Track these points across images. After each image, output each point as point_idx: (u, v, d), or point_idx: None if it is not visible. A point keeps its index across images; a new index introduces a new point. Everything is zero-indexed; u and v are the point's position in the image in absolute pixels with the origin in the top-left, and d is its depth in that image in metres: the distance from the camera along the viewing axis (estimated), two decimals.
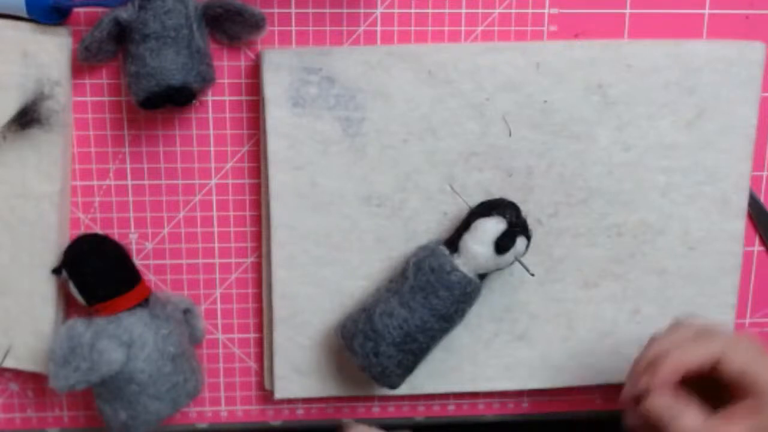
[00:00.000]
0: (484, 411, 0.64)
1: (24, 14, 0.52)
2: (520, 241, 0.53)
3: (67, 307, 0.58)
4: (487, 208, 0.54)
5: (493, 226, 0.53)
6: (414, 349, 0.54)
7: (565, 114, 0.56)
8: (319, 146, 0.56)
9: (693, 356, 0.48)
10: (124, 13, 0.51)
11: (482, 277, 0.54)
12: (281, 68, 0.54)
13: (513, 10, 0.56)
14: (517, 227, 0.53)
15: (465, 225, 0.54)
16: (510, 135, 0.56)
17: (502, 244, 0.53)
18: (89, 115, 0.56)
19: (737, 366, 0.47)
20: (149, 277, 0.59)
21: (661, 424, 0.48)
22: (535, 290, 0.59)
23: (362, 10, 0.56)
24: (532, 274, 0.56)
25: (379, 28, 0.56)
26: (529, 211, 0.57)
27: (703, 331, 0.50)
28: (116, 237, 0.57)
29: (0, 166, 0.54)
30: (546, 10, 0.56)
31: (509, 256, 0.53)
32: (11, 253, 0.56)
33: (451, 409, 0.64)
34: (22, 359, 0.58)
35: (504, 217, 0.53)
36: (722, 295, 0.60)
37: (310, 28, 0.56)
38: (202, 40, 0.53)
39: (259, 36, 0.54)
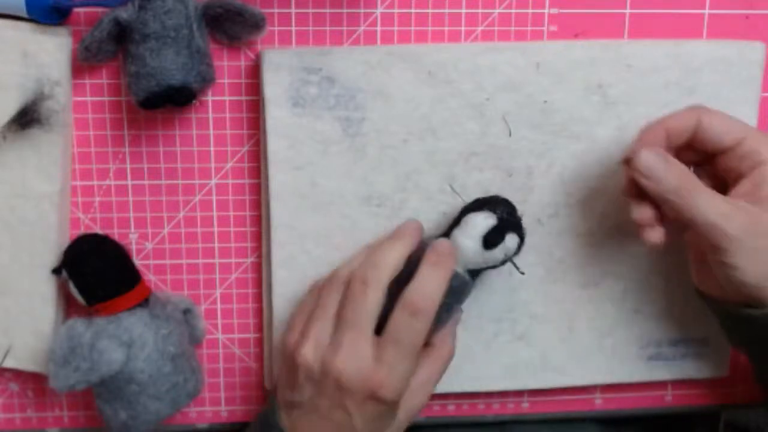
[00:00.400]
0: (484, 411, 0.64)
1: (24, 14, 0.52)
2: (511, 238, 0.53)
3: (67, 307, 0.58)
4: (480, 204, 0.54)
5: (482, 221, 0.53)
6: None
7: (565, 114, 0.56)
8: (319, 146, 0.56)
9: (674, 116, 0.51)
10: (124, 13, 0.51)
11: (475, 274, 0.54)
12: (281, 68, 0.54)
13: (513, 10, 0.56)
14: (507, 223, 0.53)
15: (457, 220, 0.54)
16: (510, 135, 0.56)
17: (490, 239, 0.52)
18: (89, 115, 0.56)
19: (716, 124, 0.50)
20: (149, 277, 0.59)
21: (652, 189, 0.49)
22: (535, 290, 0.59)
23: (362, 10, 0.56)
24: (522, 273, 0.56)
25: (379, 28, 0.56)
26: (529, 211, 0.57)
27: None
28: (116, 237, 0.57)
29: (0, 166, 0.54)
30: (546, 10, 0.56)
31: (498, 252, 0.53)
32: (11, 253, 0.56)
33: (451, 409, 0.64)
34: (22, 359, 0.58)
35: (495, 212, 0.53)
36: None
37: (310, 28, 0.56)
38: (202, 40, 0.53)
39: (259, 36, 0.54)
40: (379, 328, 0.51)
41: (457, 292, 0.54)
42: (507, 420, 0.64)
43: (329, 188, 0.56)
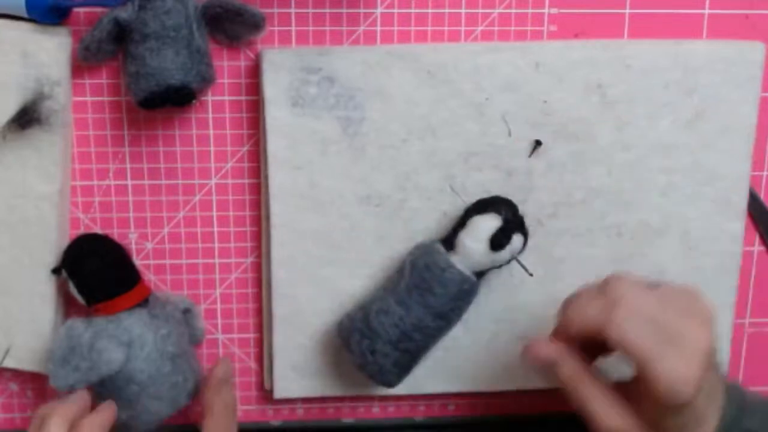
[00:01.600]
0: (483, 411, 0.64)
1: (24, 14, 0.52)
2: (517, 239, 0.53)
3: (67, 307, 0.58)
4: (484, 206, 0.54)
5: (488, 223, 0.53)
6: (410, 348, 0.54)
7: (565, 114, 0.56)
8: (318, 146, 0.56)
9: (582, 320, 0.48)
10: (124, 13, 0.51)
11: (480, 275, 0.55)
12: (281, 68, 0.54)
13: (513, 10, 0.56)
14: (512, 224, 0.53)
15: (461, 223, 0.54)
16: (509, 135, 0.56)
17: (497, 241, 0.53)
18: (89, 115, 0.56)
19: (615, 336, 0.46)
20: (149, 277, 0.59)
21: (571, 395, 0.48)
22: (535, 290, 0.59)
23: (362, 10, 0.56)
24: (531, 274, 0.56)
25: (379, 28, 0.56)
26: (529, 211, 0.57)
27: (603, 289, 0.48)
28: (116, 237, 0.57)
29: (0, 166, 0.54)
30: (546, 10, 0.56)
31: (505, 253, 0.53)
32: (11, 253, 0.56)
33: (451, 409, 0.64)
34: (22, 359, 0.58)
35: (499, 214, 0.54)
36: (722, 295, 0.60)
37: (310, 28, 0.56)
38: (202, 40, 0.53)
39: (259, 36, 0.54)
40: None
41: (467, 294, 0.54)
42: (507, 420, 0.64)
43: (329, 188, 0.56)
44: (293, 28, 0.55)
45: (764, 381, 0.65)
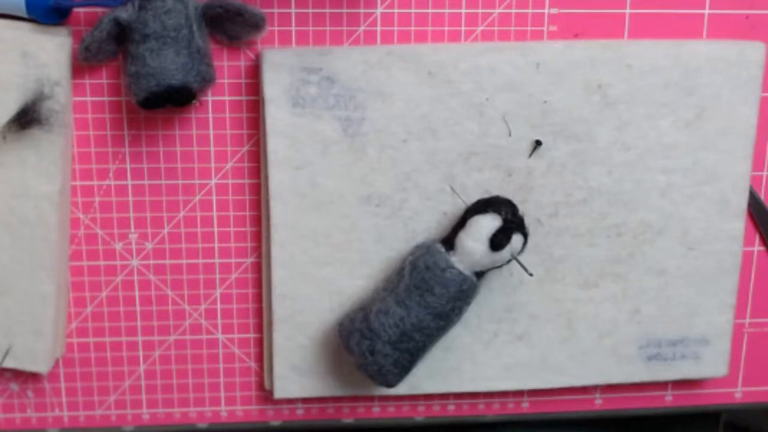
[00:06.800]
0: (484, 411, 0.64)
1: (24, 14, 0.52)
2: (516, 239, 0.53)
3: (67, 307, 0.58)
4: (483, 205, 0.54)
5: (488, 223, 0.53)
6: (410, 348, 0.54)
7: (565, 114, 0.56)
8: (318, 146, 0.56)
9: None
10: (124, 13, 0.51)
11: (480, 275, 0.55)
12: (281, 68, 0.54)
13: (513, 10, 0.56)
14: (512, 224, 0.53)
15: (461, 223, 0.54)
16: (510, 135, 0.56)
17: (497, 241, 0.53)
18: (89, 115, 0.56)
19: None
20: (149, 277, 0.59)
21: None
22: (535, 290, 0.59)
23: (362, 10, 0.56)
24: (531, 274, 0.56)
25: (379, 28, 0.56)
26: (528, 211, 0.57)
27: None
28: (116, 237, 0.57)
29: (0, 166, 0.54)
30: (546, 10, 0.56)
31: (505, 253, 0.53)
32: (11, 253, 0.56)
33: (451, 409, 0.64)
34: (22, 359, 0.58)
35: (499, 213, 0.54)
36: (721, 295, 0.61)
37: (310, 28, 0.56)
38: (202, 40, 0.53)
39: (259, 36, 0.54)
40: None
41: (467, 294, 0.54)
42: (507, 420, 0.64)
43: (329, 188, 0.56)
44: (293, 28, 0.55)
45: (764, 381, 0.65)
